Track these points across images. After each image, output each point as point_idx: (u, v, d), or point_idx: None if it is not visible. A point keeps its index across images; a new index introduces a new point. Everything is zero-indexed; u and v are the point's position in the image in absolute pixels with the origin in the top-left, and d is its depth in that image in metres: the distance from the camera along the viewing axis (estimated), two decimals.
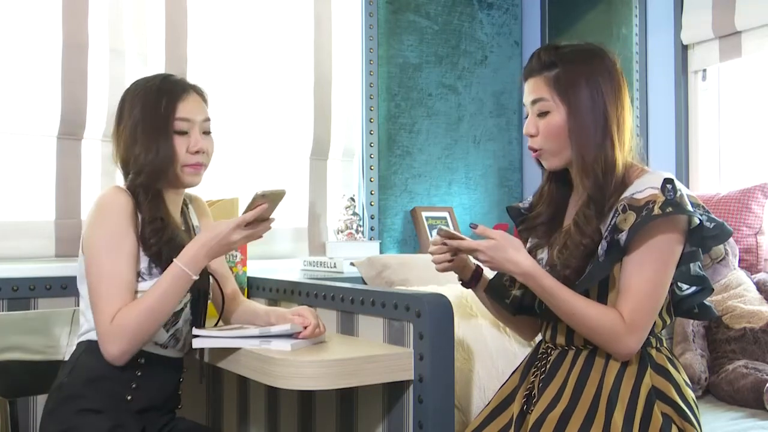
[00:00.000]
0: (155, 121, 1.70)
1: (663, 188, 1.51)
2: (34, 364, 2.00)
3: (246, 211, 1.63)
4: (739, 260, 2.55)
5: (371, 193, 3.24)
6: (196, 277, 1.63)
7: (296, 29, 3.09)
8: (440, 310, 1.55)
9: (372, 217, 3.23)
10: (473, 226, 1.58)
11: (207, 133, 1.78)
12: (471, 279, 1.74)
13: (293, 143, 3.09)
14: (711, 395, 2.30)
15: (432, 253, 1.66)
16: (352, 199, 3.12)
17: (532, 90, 1.63)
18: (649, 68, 3.15)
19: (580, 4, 3.41)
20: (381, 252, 3.16)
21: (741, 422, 2.03)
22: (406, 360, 1.56)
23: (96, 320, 1.62)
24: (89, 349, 1.66)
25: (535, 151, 1.65)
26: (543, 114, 1.61)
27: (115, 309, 1.59)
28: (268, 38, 3.02)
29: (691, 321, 2.39)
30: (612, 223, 1.52)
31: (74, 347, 1.74)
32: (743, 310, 2.36)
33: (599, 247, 1.54)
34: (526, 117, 1.66)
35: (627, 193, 1.54)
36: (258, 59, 2.99)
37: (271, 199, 1.61)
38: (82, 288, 1.70)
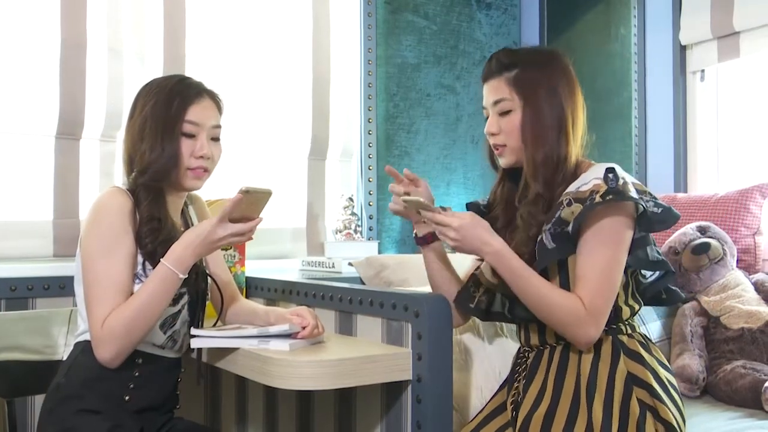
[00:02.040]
0: (164, 120, 1.69)
1: (605, 178, 1.54)
2: (32, 364, 1.99)
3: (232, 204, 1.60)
4: (737, 260, 2.55)
5: (370, 193, 3.24)
6: (183, 276, 1.61)
7: (295, 29, 3.09)
8: (438, 310, 1.55)
9: (370, 217, 3.23)
10: (444, 209, 1.60)
11: (216, 139, 1.77)
12: (425, 235, 1.74)
13: (292, 143, 3.09)
14: (709, 395, 2.31)
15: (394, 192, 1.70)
16: (351, 199, 3.12)
17: (492, 91, 1.68)
18: (648, 68, 3.15)
19: (579, 5, 3.41)
20: (379, 252, 3.16)
21: (739, 422, 2.03)
22: (405, 360, 1.55)
23: (89, 324, 1.62)
24: (86, 349, 1.65)
25: (498, 148, 1.68)
26: (505, 113, 1.65)
27: (106, 313, 1.58)
28: (267, 38, 3.02)
29: (689, 321, 2.39)
30: (557, 216, 1.55)
31: (72, 347, 1.74)
32: (741, 311, 2.36)
33: (543, 237, 1.56)
34: (487, 118, 1.70)
35: (572, 188, 1.58)
36: (256, 59, 2.99)
37: (255, 197, 1.59)
38: (79, 289, 1.70)
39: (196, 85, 1.77)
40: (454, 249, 1.63)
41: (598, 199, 1.51)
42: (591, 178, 1.57)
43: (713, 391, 2.29)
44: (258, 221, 1.64)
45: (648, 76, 3.15)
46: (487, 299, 1.72)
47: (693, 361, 2.29)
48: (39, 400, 2.04)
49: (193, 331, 1.66)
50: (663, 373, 1.59)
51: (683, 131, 3.01)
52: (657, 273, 1.69)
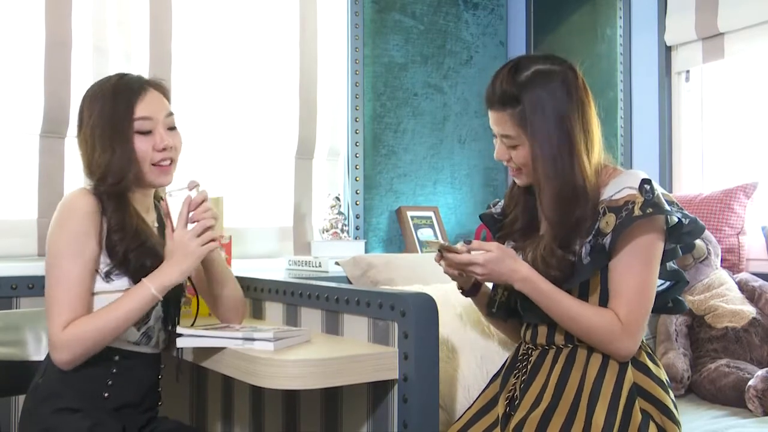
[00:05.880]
0: (113, 123, 1.66)
1: (641, 189, 1.53)
2: (14, 364, 1.98)
3: (168, 215, 1.66)
4: (722, 260, 2.57)
5: (356, 193, 3.24)
6: (161, 297, 1.63)
7: (282, 29, 3.09)
8: (425, 309, 1.55)
9: (357, 217, 3.23)
10: (467, 242, 1.58)
11: (172, 128, 1.74)
12: (472, 287, 1.76)
13: (279, 142, 3.08)
14: (693, 394, 2.32)
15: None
16: (338, 199, 3.12)
17: (496, 123, 1.64)
18: (633, 69, 3.17)
19: (565, 5, 3.43)
20: (366, 251, 3.16)
21: (722, 420, 2.05)
22: (391, 359, 1.55)
23: (48, 325, 1.60)
24: None
25: (513, 171, 1.67)
26: (513, 147, 1.63)
27: (67, 317, 1.58)
28: (254, 37, 3.01)
29: (674, 320, 2.41)
30: (597, 227, 1.54)
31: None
32: (725, 310, 2.38)
33: (582, 250, 1.55)
34: (495, 138, 1.68)
35: (605, 196, 1.56)
36: (243, 58, 2.98)
37: (180, 197, 1.65)
38: None
39: (137, 80, 1.73)
40: (485, 281, 1.64)
41: (637, 212, 1.49)
42: (623, 186, 1.54)
43: (697, 389, 2.30)
44: (209, 211, 1.65)
45: (633, 76, 3.17)
46: (508, 298, 1.72)
47: (678, 360, 2.31)
48: (23, 400, 2.03)
49: (179, 330, 1.66)
50: (669, 389, 1.59)
51: (668, 131, 3.03)
52: (668, 282, 1.67)
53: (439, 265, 1.66)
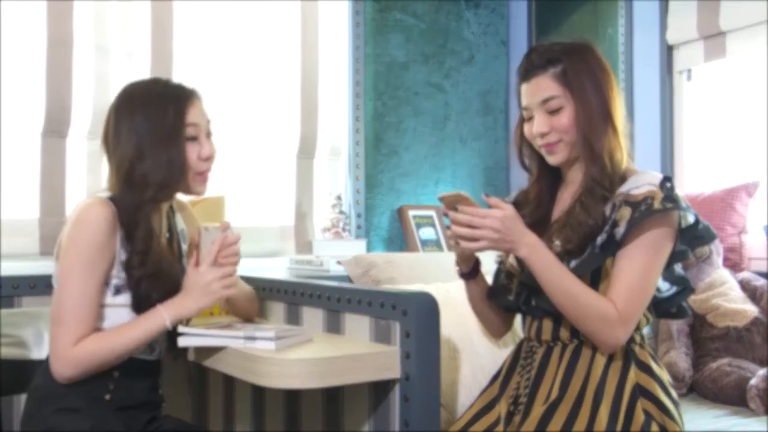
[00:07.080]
0: (165, 130, 1.63)
1: (662, 185, 1.55)
2: (15, 363, 1.98)
3: (192, 249, 1.68)
4: (723, 259, 2.57)
5: (358, 192, 3.24)
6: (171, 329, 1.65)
7: (283, 28, 3.08)
8: (426, 308, 1.55)
9: (359, 216, 3.23)
10: (486, 195, 1.58)
11: (209, 135, 1.74)
12: (472, 269, 1.74)
13: (280, 142, 3.08)
14: (695, 393, 2.32)
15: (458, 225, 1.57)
16: (339, 198, 3.12)
17: (539, 89, 1.63)
18: (635, 68, 3.17)
19: (567, 4, 3.42)
20: (368, 250, 3.16)
21: (724, 420, 2.05)
22: (393, 358, 1.55)
23: (55, 337, 1.59)
24: None
25: (551, 144, 1.64)
26: (555, 111, 1.62)
27: (78, 333, 1.57)
28: (255, 36, 3.01)
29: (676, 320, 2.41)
30: (612, 218, 1.55)
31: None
32: (727, 309, 2.37)
33: (599, 238, 1.55)
34: (530, 119, 1.66)
35: (623, 189, 1.58)
36: (245, 57, 2.98)
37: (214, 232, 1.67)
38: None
39: (182, 87, 1.72)
40: (490, 246, 1.56)
41: (657, 205, 1.51)
42: (643, 183, 1.56)
43: (699, 388, 2.30)
44: (236, 246, 1.67)
45: (635, 75, 3.16)
46: (519, 291, 1.71)
47: (679, 359, 2.31)
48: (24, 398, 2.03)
49: (181, 328, 1.66)
50: (671, 391, 1.60)
51: (670, 130, 3.03)
52: (674, 288, 1.68)
53: (447, 218, 1.60)
